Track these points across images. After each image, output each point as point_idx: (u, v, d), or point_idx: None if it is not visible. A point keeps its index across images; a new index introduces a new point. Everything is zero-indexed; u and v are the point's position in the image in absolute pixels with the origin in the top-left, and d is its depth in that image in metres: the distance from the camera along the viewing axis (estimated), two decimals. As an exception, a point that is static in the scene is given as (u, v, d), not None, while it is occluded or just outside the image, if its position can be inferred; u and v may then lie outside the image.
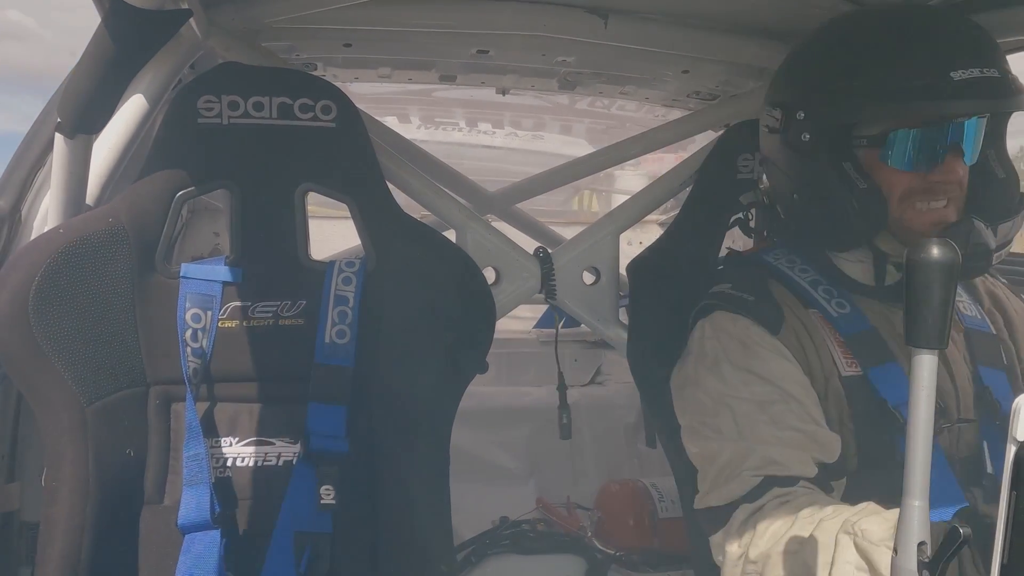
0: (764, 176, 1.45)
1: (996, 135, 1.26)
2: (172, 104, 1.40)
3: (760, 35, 1.74)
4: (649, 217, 2.39)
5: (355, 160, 1.43)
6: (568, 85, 2.12)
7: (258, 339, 1.38)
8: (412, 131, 3.68)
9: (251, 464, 1.37)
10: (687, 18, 1.75)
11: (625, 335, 1.70)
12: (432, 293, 1.42)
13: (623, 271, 1.76)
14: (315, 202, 1.51)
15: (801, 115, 1.24)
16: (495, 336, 1.50)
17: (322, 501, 1.32)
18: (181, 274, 1.36)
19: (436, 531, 1.42)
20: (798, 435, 1.17)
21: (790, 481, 1.13)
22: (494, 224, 1.97)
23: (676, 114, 2.37)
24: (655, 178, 2.06)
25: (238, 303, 1.38)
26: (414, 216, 1.54)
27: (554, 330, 3.26)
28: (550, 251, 1.82)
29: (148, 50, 1.24)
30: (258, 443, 1.38)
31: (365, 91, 2.77)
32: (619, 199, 3.36)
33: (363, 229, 1.44)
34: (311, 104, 1.39)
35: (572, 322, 2.05)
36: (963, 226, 1.18)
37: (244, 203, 1.40)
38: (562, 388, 1.94)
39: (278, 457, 1.38)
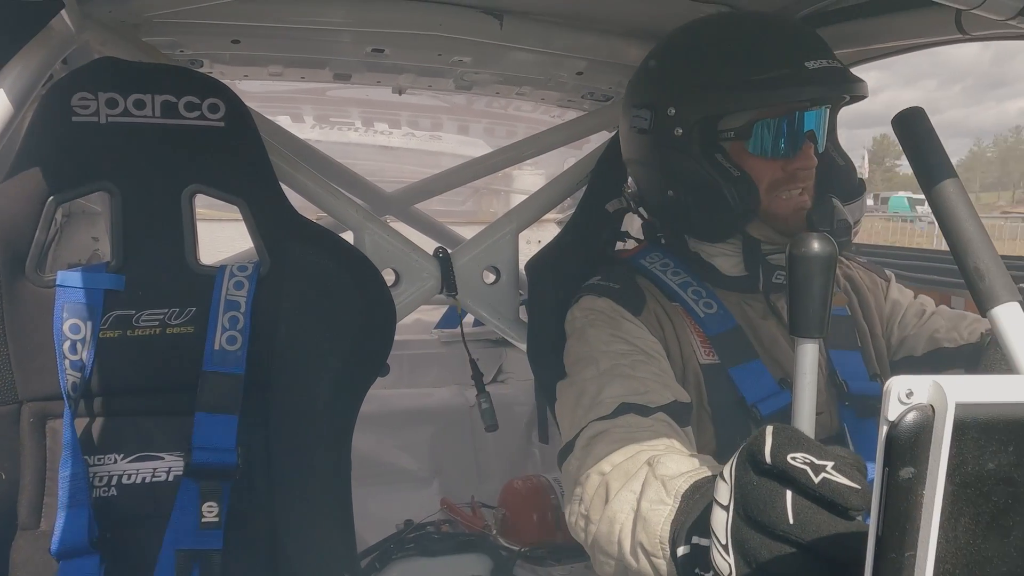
0: (630, 180, 1.48)
1: (832, 126, 1.39)
2: (42, 101, 1.31)
3: (652, 39, 1.80)
4: (547, 216, 2.42)
5: (246, 160, 1.39)
6: (465, 85, 2.12)
7: (144, 349, 1.31)
8: (306, 131, 3.60)
9: (138, 481, 1.31)
10: (581, 21, 1.78)
11: (525, 333, 1.71)
12: (330, 296, 1.39)
13: (523, 270, 1.78)
14: (205, 204, 1.45)
15: (672, 111, 1.29)
16: (396, 338, 1.49)
17: (204, 519, 1.27)
18: (57, 282, 1.28)
19: (338, 538, 1.40)
20: (656, 379, 1.20)
21: (646, 410, 1.13)
22: (392, 225, 1.95)
23: (572, 115, 2.42)
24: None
25: (121, 312, 1.31)
26: (309, 218, 1.51)
27: (455, 330, 3.29)
28: (450, 251, 1.82)
29: (14, 43, 1.16)
30: (145, 458, 1.31)
31: (255, 89, 2.69)
32: (517, 199, 3.39)
33: (255, 232, 1.40)
34: (197, 102, 1.34)
35: (476, 321, 2.05)
36: (825, 207, 1.30)
37: (126, 206, 1.33)
38: (477, 377, 1.93)
39: (168, 472, 1.32)
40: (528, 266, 1.69)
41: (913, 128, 0.93)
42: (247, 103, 1.41)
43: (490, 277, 1.85)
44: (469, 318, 2.41)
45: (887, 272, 1.57)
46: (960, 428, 0.43)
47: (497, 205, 4.60)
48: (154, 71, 1.38)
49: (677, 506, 0.84)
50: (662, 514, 0.85)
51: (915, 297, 1.54)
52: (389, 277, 1.72)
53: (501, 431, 2.97)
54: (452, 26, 1.69)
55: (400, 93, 2.28)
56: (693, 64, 1.32)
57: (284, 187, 1.48)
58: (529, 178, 4.04)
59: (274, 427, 1.36)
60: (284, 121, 3.31)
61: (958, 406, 0.43)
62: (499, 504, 2.58)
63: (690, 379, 1.29)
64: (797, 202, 1.29)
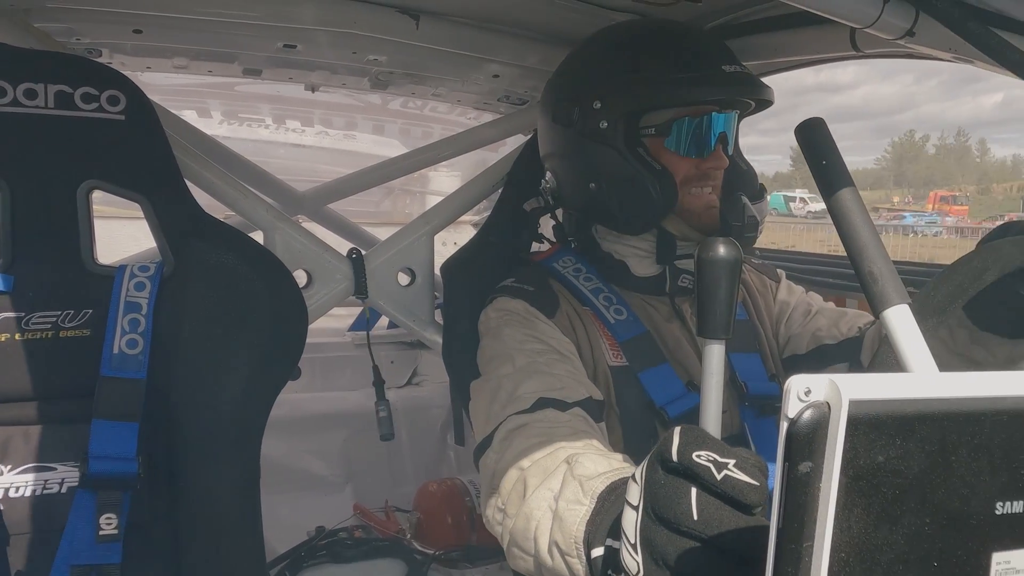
0: (548, 177, 1.50)
1: (737, 133, 1.47)
2: None
3: (567, 44, 1.83)
4: (463, 218, 2.42)
5: (148, 156, 1.33)
6: (380, 84, 2.10)
7: (34, 354, 1.24)
8: (213, 127, 3.48)
9: (28, 494, 1.23)
10: (498, 24, 1.79)
11: (440, 335, 1.71)
12: (238, 297, 1.35)
13: (438, 272, 1.77)
14: (106, 202, 1.38)
15: (598, 104, 1.34)
16: (308, 340, 1.46)
17: (101, 532, 1.20)
18: None
19: (246, 547, 1.35)
20: (571, 376, 1.23)
21: (564, 405, 1.15)
22: (305, 225, 1.91)
23: (488, 117, 2.42)
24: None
25: (9, 314, 1.23)
26: (217, 217, 1.46)
27: (368, 332, 3.24)
28: (364, 252, 1.79)
29: None
30: (36, 469, 1.24)
31: (159, 82, 2.58)
32: (433, 200, 3.38)
33: (158, 230, 1.34)
34: (95, 94, 1.27)
35: (392, 323, 2.02)
36: (736, 203, 1.38)
37: (15, 202, 1.25)
38: (379, 384, 1.90)
39: (61, 483, 1.24)
40: (444, 268, 1.68)
41: (814, 138, 0.98)
42: (150, 96, 1.35)
43: (405, 279, 1.84)
44: (385, 320, 2.38)
45: (778, 272, 1.64)
46: (853, 424, 0.46)
47: (413, 206, 4.57)
48: (47, 59, 1.30)
49: (593, 507, 0.85)
50: (578, 514, 0.86)
51: (806, 292, 1.61)
52: (301, 278, 1.68)
53: (416, 434, 2.96)
54: (367, 24, 1.67)
55: (313, 91, 2.23)
56: (619, 60, 1.37)
57: (190, 185, 1.42)
58: (445, 180, 4.03)
59: (178, 433, 1.31)
60: (190, 116, 3.19)
61: (851, 403, 0.46)
62: (414, 508, 2.56)
63: (600, 380, 1.32)
64: (708, 199, 1.36)
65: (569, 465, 0.94)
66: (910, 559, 0.49)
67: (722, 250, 0.80)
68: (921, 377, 0.48)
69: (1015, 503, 0.50)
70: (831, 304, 1.61)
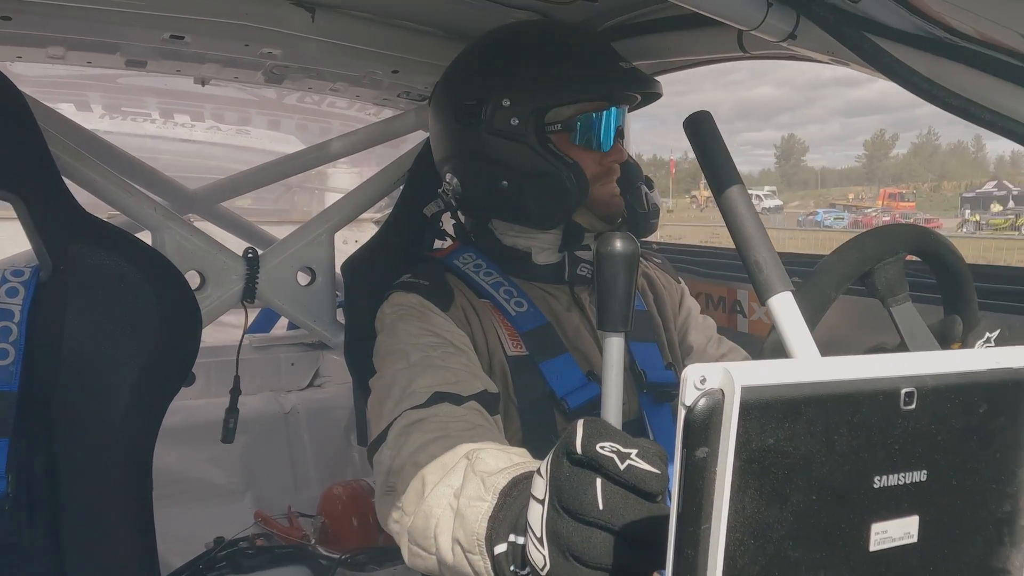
0: (449, 178, 1.47)
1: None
2: None
3: (466, 40, 1.82)
4: (364, 215, 2.38)
5: (19, 151, 1.24)
6: (275, 79, 2.03)
7: None
8: (94, 121, 3.30)
9: None
10: (395, 19, 1.77)
11: (343, 335, 1.67)
12: (124, 302, 1.28)
13: (339, 270, 1.74)
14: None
15: (507, 102, 1.35)
16: (202, 344, 1.40)
17: None
18: None
19: (138, 564, 1.29)
20: (466, 369, 1.23)
21: (459, 399, 1.14)
22: (197, 224, 1.83)
23: (389, 113, 2.39)
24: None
25: None
26: (100, 216, 1.38)
27: (268, 334, 3.14)
28: (260, 252, 1.74)
29: None
30: None
31: (33, 73, 2.42)
32: (333, 197, 3.30)
33: (33, 232, 1.25)
34: None
35: (291, 324, 1.97)
36: (638, 192, 1.46)
37: None
38: (235, 393, 1.84)
39: None
40: (344, 266, 1.65)
41: (701, 131, 1.01)
42: (21, 88, 1.26)
43: (305, 278, 1.79)
44: (284, 321, 2.32)
45: (679, 277, 1.71)
46: (745, 409, 0.48)
47: (311, 204, 4.46)
48: None
49: (495, 503, 0.85)
50: (480, 511, 0.86)
51: (700, 312, 1.68)
52: (193, 280, 1.61)
53: (319, 436, 2.89)
54: (259, 16, 1.62)
55: (203, 84, 2.14)
56: (526, 58, 1.39)
57: (68, 183, 1.34)
58: (344, 176, 3.96)
59: (60, 448, 1.23)
60: (67, 109, 3.01)
61: (744, 389, 0.48)
62: (318, 512, 2.50)
63: (496, 371, 1.32)
64: (612, 189, 1.42)
65: (469, 461, 0.94)
66: (799, 534, 0.52)
67: (620, 244, 0.82)
68: (805, 362, 0.51)
69: (890, 476, 0.54)
70: (722, 337, 1.68)
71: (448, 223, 1.63)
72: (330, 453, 2.89)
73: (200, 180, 2.28)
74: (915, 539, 0.55)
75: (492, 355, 1.34)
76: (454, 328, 1.31)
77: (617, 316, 0.82)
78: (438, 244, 1.68)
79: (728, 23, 1.52)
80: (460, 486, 0.91)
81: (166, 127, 3.78)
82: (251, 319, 3.09)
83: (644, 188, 1.46)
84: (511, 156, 1.36)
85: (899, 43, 1.43)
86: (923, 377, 0.54)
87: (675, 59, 1.99)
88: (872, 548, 0.54)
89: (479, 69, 1.45)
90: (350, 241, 2.56)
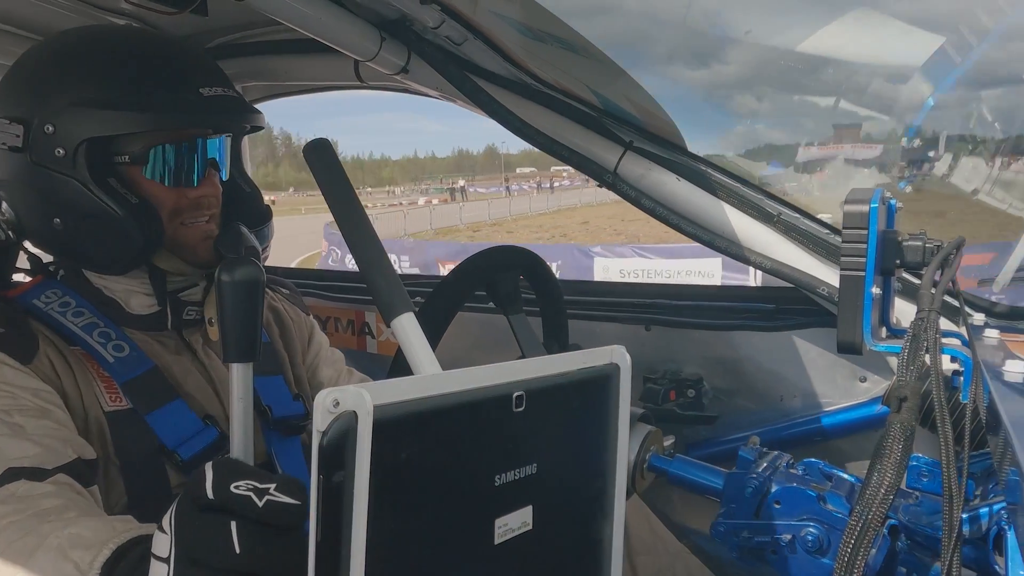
0: (4, 207, 1.22)
1: (236, 153, 1.39)
2: None
3: (41, 35, 1.60)
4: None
5: None
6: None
7: None
8: None
9: None
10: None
11: None
12: None
13: None
14: None
15: (51, 129, 1.13)
16: None
17: None
18: None
19: None
20: (54, 434, 1.03)
21: (41, 473, 0.96)
22: None
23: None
24: None
25: None
26: None
27: None
28: None
29: None
30: None
31: None
32: None
33: None
34: None
35: None
36: (232, 234, 1.24)
37: None
38: None
39: None
40: None
41: (321, 158, 1.01)
42: None
43: None
44: None
45: (308, 309, 1.62)
46: (379, 427, 0.49)
47: None
48: None
49: None
50: None
51: (330, 337, 1.64)
52: None
53: None
54: None
55: None
56: (78, 76, 1.15)
57: None
58: None
59: None
60: None
61: (376, 408, 0.49)
62: None
63: (93, 430, 1.13)
64: (204, 230, 1.23)
65: (59, 542, 0.80)
66: (435, 539, 0.55)
67: (241, 272, 0.78)
68: (429, 377, 0.54)
69: (508, 473, 0.60)
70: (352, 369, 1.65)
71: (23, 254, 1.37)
72: None
73: None
74: (531, 527, 0.62)
75: (88, 411, 1.13)
76: (38, 384, 1.08)
77: (244, 345, 0.79)
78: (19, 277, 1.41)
79: (345, 53, 1.56)
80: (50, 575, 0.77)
81: None
82: None
83: (241, 228, 1.25)
84: (59, 193, 1.14)
85: (497, 85, 1.62)
86: (530, 381, 0.61)
87: (291, 83, 1.99)
88: (497, 541, 0.59)
89: (27, 82, 1.19)
90: None
